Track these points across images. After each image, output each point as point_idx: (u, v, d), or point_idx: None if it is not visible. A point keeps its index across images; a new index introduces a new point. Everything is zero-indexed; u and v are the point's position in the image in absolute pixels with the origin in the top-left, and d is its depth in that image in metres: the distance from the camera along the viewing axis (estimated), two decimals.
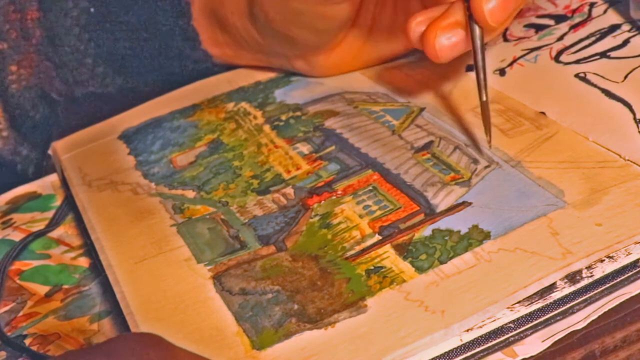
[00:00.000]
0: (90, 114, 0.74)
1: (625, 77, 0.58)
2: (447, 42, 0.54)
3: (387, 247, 0.50)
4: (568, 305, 0.45)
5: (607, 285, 0.46)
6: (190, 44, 0.72)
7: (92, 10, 0.73)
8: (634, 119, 0.54)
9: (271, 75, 0.74)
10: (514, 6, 0.53)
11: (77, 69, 0.73)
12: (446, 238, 0.49)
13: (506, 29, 0.70)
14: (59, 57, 0.73)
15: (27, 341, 0.56)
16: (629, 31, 0.63)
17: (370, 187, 0.55)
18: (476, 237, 0.49)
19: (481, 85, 0.55)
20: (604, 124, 0.54)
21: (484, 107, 0.56)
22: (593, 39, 0.64)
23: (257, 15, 0.67)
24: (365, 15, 0.67)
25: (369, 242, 0.51)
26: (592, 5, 0.69)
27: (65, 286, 0.60)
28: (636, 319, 0.47)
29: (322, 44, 0.68)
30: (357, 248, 0.51)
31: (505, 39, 0.68)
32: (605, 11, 0.67)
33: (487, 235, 0.49)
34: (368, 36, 0.68)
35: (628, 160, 0.51)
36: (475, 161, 0.55)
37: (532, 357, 0.45)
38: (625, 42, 0.62)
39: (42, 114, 0.75)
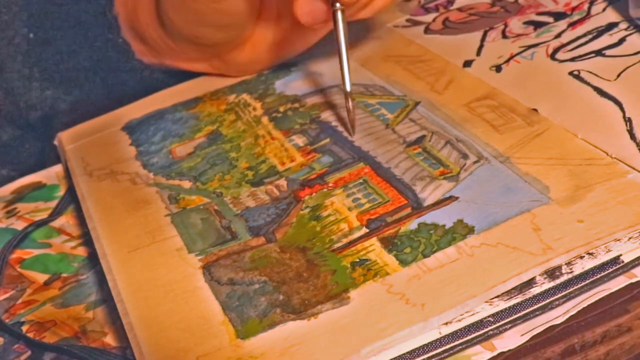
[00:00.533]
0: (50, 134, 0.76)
1: (618, 75, 0.59)
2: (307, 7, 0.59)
3: (374, 240, 0.51)
4: (547, 301, 0.46)
5: (587, 282, 0.46)
6: (123, 56, 0.75)
7: (31, 36, 0.75)
8: (624, 117, 0.54)
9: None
10: None
11: (25, 93, 0.75)
12: (431, 232, 0.50)
13: (505, 26, 0.70)
14: (7, 83, 0.75)
15: (24, 328, 0.57)
16: (625, 29, 0.64)
17: (361, 180, 0.56)
18: (460, 231, 0.49)
19: (344, 75, 0.61)
20: (594, 122, 0.55)
21: (347, 97, 0.61)
22: (590, 36, 0.64)
23: (165, 22, 0.69)
24: (269, 8, 0.69)
25: (356, 234, 0.52)
26: (591, 3, 0.69)
27: (64, 274, 0.61)
28: (616, 315, 0.47)
29: (231, 40, 0.70)
30: (344, 240, 0.52)
31: (504, 36, 0.69)
32: (604, 9, 0.67)
33: (471, 230, 0.49)
34: (276, 28, 0.70)
35: (615, 158, 0.52)
36: (465, 156, 0.55)
37: (510, 350, 0.46)
38: (621, 41, 0.63)
39: (9, 134, 0.77)
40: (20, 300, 0.59)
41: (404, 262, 0.48)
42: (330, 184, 0.56)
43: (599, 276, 0.46)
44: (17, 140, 0.77)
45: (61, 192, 0.70)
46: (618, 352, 0.46)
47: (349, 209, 0.54)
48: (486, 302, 0.45)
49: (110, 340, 0.54)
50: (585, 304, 0.46)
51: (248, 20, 0.68)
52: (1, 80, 0.75)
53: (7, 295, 0.60)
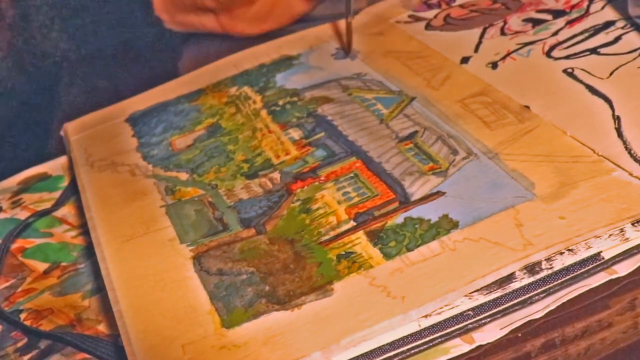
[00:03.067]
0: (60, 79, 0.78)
1: (611, 73, 0.59)
2: None
3: (360, 234, 0.52)
4: (527, 296, 0.47)
5: (567, 278, 0.47)
6: (145, 10, 0.77)
7: None
8: (613, 115, 0.55)
9: (274, 57, 0.76)
10: None
11: (43, 42, 0.77)
12: (416, 226, 0.51)
13: (505, 23, 0.70)
14: (28, 32, 0.77)
15: (22, 315, 0.58)
16: (622, 28, 0.64)
17: (352, 174, 0.57)
18: (445, 226, 0.50)
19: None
20: (584, 120, 0.55)
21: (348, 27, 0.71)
22: (586, 34, 0.65)
23: None
24: None
25: (344, 227, 0.52)
26: (591, 1, 0.69)
27: (63, 263, 0.62)
28: (597, 310, 0.48)
29: None
30: (332, 233, 0.52)
31: (503, 33, 0.69)
32: (602, 7, 0.68)
33: (455, 225, 0.50)
34: None
35: (601, 155, 0.52)
36: (455, 152, 0.56)
37: (489, 344, 0.46)
38: (617, 39, 0.63)
39: (15, 80, 0.78)
40: (20, 289, 0.60)
41: (388, 256, 0.49)
42: (322, 178, 0.57)
43: (579, 272, 0.47)
44: (24, 87, 0.79)
45: (65, 182, 0.71)
46: (599, 347, 0.47)
47: (339, 202, 0.54)
48: (465, 295, 0.46)
49: (103, 328, 0.55)
50: (564, 299, 0.47)
51: None
52: (24, 29, 0.78)
53: (7, 284, 0.61)
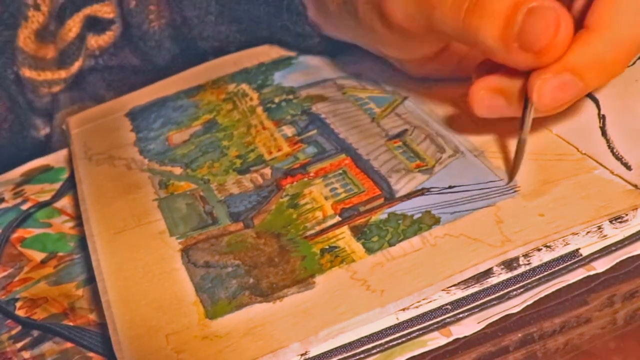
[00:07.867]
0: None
1: None
2: (487, 102, 0.54)
3: (345, 228, 0.52)
4: (504, 291, 0.47)
5: (545, 274, 0.47)
6: (296, 18, 0.73)
7: None
8: (598, 114, 0.55)
9: (274, 56, 0.77)
10: (568, 98, 0.51)
11: (199, 25, 0.78)
12: (399, 222, 0.51)
13: None
14: (185, 12, 0.78)
15: (18, 304, 0.59)
16: None
17: (340, 171, 0.58)
18: (427, 222, 0.51)
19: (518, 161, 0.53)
20: (570, 118, 0.56)
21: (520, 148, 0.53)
22: None
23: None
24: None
25: (329, 222, 0.53)
26: None
27: (60, 253, 0.63)
28: (575, 306, 0.48)
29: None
30: (317, 228, 0.53)
31: None
32: None
33: (437, 221, 0.51)
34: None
35: (584, 154, 0.53)
36: (442, 150, 0.57)
37: (466, 337, 0.47)
38: None
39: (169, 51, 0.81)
40: (17, 278, 0.61)
41: (370, 250, 0.50)
42: (312, 174, 0.58)
43: (556, 269, 0.47)
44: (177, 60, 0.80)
45: (66, 174, 0.72)
46: (577, 342, 0.48)
47: (326, 197, 0.55)
48: (443, 290, 0.46)
49: (95, 317, 0.56)
50: (542, 295, 0.47)
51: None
52: (179, 8, 0.78)
53: (5, 273, 0.62)
